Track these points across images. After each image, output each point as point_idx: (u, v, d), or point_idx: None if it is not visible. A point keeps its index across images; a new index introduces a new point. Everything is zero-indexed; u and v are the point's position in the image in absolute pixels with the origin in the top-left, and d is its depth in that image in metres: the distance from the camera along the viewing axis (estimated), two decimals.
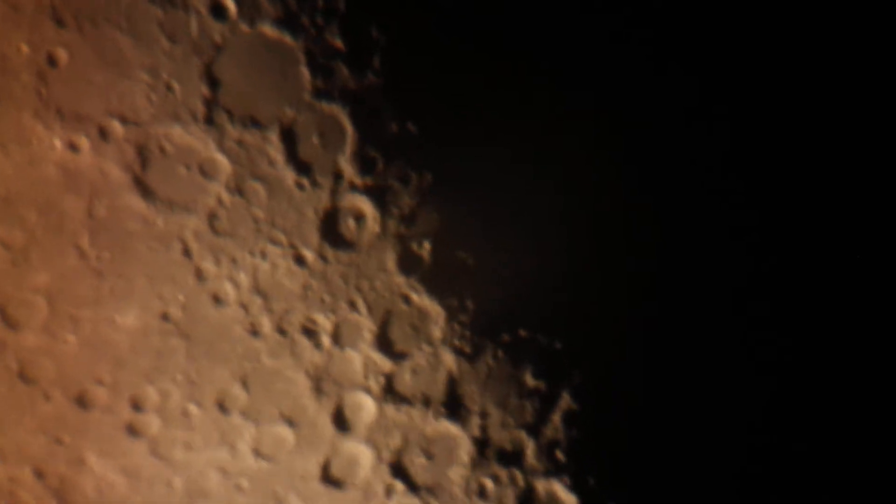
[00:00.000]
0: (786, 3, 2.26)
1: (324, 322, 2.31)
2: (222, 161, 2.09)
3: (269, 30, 1.98)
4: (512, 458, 2.45)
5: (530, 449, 2.45)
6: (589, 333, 2.37)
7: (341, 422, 2.38)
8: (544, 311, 2.37)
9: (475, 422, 2.39)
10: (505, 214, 2.33)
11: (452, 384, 2.38)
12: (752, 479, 2.47)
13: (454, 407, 2.38)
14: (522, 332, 2.36)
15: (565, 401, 2.39)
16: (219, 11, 1.92)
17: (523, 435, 2.44)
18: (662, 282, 2.37)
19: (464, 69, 2.16)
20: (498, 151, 2.27)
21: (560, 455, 2.45)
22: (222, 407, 2.31)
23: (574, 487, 2.44)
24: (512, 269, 2.36)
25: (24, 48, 1.85)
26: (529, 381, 2.38)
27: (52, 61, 1.87)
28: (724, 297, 2.40)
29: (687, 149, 2.31)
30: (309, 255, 2.24)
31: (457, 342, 2.36)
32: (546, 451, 2.45)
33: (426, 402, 2.38)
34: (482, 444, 2.44)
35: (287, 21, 1.98)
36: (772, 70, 2.29)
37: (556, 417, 2.39)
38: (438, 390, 2.38)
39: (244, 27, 1.94)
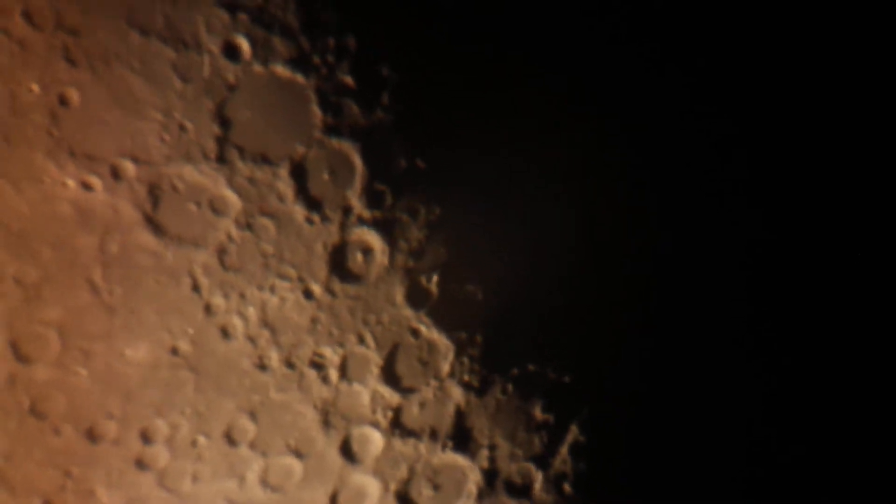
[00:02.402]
0: (786, 3, 2.28)
1: (331, 356, 2.33)
2: (232, 198, 2.12)
3: (281, 69, 2.02)
4: (520, 490, 2.46)
5: (538, 482, 2.46)
6: (598, 368, 2.39)
7: (349, 454, 2.40)
8: (553, 344, 2.39)
9: (483, 454, 2.41)
10: (513, 241, 2.36)
11: (460, 417, 2.40)
12: (754, 477, 2.48)
13: (462, 439, 2.41)
14: (531, 366, 2.38)
15: (573, 434, 2.40)
16: (232, 52, 1.96)
17: (532, 467, 2.46)
18: (667, 313, 2.39)
19: (470, 106, 2.20)
20: (505, 185, 2.30)
21: (568, 488, 2.47)
22: (230, 439, 2.34)
23: None
24: (521, 299, 2.38)
25: (36, 88, 1.89)
26: (538, 414, 2.40)
27: (63, 101, 1.91)
28: (724, 298, 2.42)
29: (686, 151, 2.33)
30: (317, 289, 2.27)
31: (465, 376, 2.38)
32: (554, 483, 2.46)
33: (434, 434, 2.40)
34: (490, 476, 2.46)
35: (299, 61, 2.01)
36: (771, 72, 2.31)
37: (565, 450, 2.41)
38: (446, 423, 2.40)
39: (257, 67, 1.97)
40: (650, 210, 2.34)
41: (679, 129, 2.31)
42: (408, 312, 2.33)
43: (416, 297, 2.33)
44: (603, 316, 2.40)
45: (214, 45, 1.94)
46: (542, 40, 2.17)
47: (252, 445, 2.35)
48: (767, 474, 2.47)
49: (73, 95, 1.89)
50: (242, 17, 1.94)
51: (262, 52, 1.98)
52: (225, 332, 2.24)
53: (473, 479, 2.46)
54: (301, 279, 2.25)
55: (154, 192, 2.03)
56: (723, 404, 2.45)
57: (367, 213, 2.23)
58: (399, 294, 2.32)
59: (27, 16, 1.87)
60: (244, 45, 1.97)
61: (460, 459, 2.46)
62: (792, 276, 2.40)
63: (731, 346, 2.42)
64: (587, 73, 2.24)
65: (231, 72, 1.97)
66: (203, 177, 2.06)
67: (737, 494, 2.47)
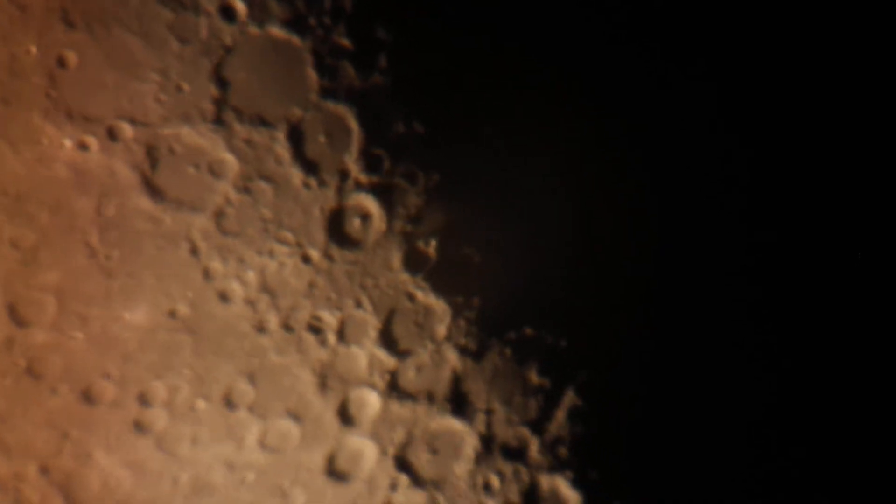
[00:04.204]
0: (786, 4, 2.29)
1: (329, 319, 2.36)
2: (230, 160, 2.14)
3: (277, 31, 2.03)
4: (516, 453, 2.51)
5: (534, 445, 2.51)
6: (593, 332, 2.43)
7: (346, 417, 2.44)
8: (548, 309, 2.43)
9: (480, 418, 2.46)
10: (509, 212, 2.38)
11: (457, 381, 2.44)
12: (754, 476, 2.53)
13: (459, 403, 2.45)
14: (528, 331, 2.42)
15: (569, 398, 2.45)
16: (228, 13, 1.97)
17: (527, 431, 2.51)
18: (664, 282, 2.42)
19: (469, 69, 2.21)
20: (503, 150, 2.32)
21: (564, 451, 2.51)
22: (229, 402, 2.37)
23: (577, 483, 2.51)
24: (516, 265, 2.41)
25: (34, 50, 1.90)
26: (534, 378, 2.44)
27: (61, 63, 1.92)
28: (723, 294, 2.45)
29: (688, 150, 2.35)
30: (315, 254, 2.30)
31: (461, 340, 2.42)
32: (550, 447, 2.51)
33: (430, 398, 2.44)
34: (487, 440, 2.50)
35: (295, 22, 2.02)
36: (773, 72, 2.33)
37: (561, 414, 2.45)
38: (443, 387, 2.44)
39: (253, 29, 1.99)
40: (649, 199, 2.36)
41: (680, 129, 2.32)
42: (405, 277, 2.36)
43: (414, 262, 2.36)
44: (601, 286, 2.43)
45: (211, 6, 1.95)
46: (543, 29, 2.18)
47: (250, 409, 2.39)
48: (767, 469, 2.51)
49: (71, 57, 1.90)
50: None
51: (259, 13, 1.99)
52: (223, 296, 2.27)
53: (470, 444, 2.51)
54: (299, 244, 2.28)
55: (152, 154, 2.05)
56: (723, 396, 2.49)
57: (364, 178, 2.25)
58: (396, 258, 2.35)
59: None
60: (240, 6, 1.98)
61: (457, 423, 2.50)
62: (793, 277, 2.43)
63: (732, 339, 2.45)
64: (589, 71, 2.25)
65: (228, 33, 1.99)
66: (201, 138, 2.08)
67: (737, 485, 2.52)
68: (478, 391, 2.45)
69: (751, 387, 2.50)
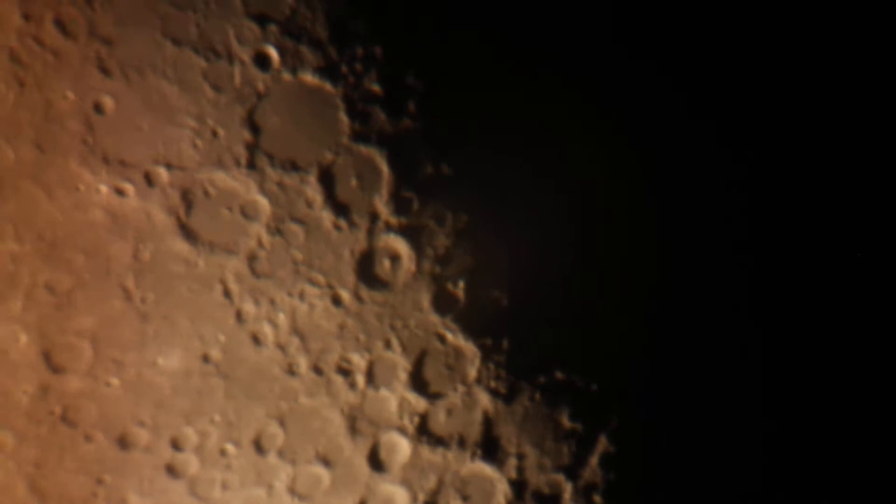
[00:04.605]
0: (788, 6, 2.31)
1: (359, 361, 2.37)
2: (263, 202, 2.18)
3: (309, 77, 2.08)
4: (549, 500, 2.48)
5: (567, 492, 2.47)
6: (626, 376, 2.41)
7: (376, 462, 2.43)
8: (580, 352, 2.41)
9: (512, 463, 2.43)
10: (538, 250, 2.39)
11: (488, 425, 2.42)
12: None
13: (490, 448, 2.43)
14: (559, 374, 2.41)
15: (602, 444, 2.42)
16: (262, 61, 2.02)
17: (561, 477, 2.47)
18: (686, 319, 2.41)
19: (495, 113, 2.25)
20: (531, 191, 2.34)
21: (597, 498, 2.47)
22: (259, 446, 2.37)
23: None
24: (545, 307, 2.41)
25: (71, 96, 1.96)
26: (566, 422, 2.42)
27: (98, 109, 1.98)
28: (751, 334, 2.43)
29: (691, 150, 2.35)
30: (345, 296, 2.32)
31: (492, 382, 2.41)
32: (583, 493, 2.47)
33: (461, 442, 2.42)
34: (519, 487, 2.47)
35: (327, 69, 2.07)
36: (774, 72, 2.34)
37: (594, 460, 2.42)
38: (474, 431, 2.42)
39: (286, 76, 2.04)
40: (663, 215, 2.37)
41: (687, 128, 2.34)
42: (434, 318, 2.37)
43: (443, 303, 2.37)
44: (643, 354, 2.42)
45: (245, 55, 2.01)
46: (565, 50, 2.22)
47: (280, 453, 2.39)
48: (779, 478, 2.47)
49: (108, 103, 1.95)
50: (272, 27, 2.01)
51: (292, 60, 2.04)
52: (256, 339, 2.29)
53: (502, 490, 2.48)
54: (330, 285, 2.30)
55: (186, 198, 2.09)
56: (752, 440, 2.46)
57: (394, 220, 2.27)
58: (426, 300, 2.36)
59: (60, 25, 1.94)
60: (274, 54, 2.04)
61: (488, 469, 2.47)
62: (795, 279, 2.41)
63: (740, 353, 2.43)
64: (605, 83, 2.28)
65: (261, 80, 2.04)
66: (234, 182, 2.12)
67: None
68: (509, 435, 2.42)
69: (786, 432, 2.46)
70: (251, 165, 2.11)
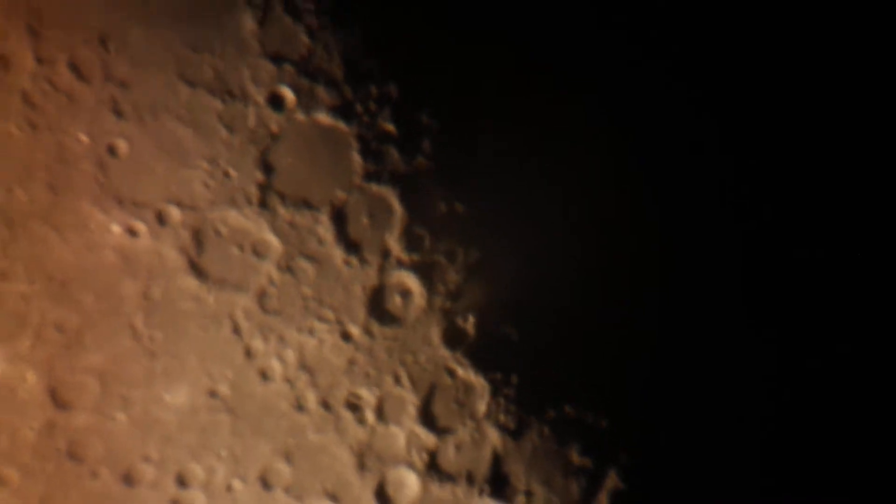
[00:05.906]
0: (790, 6, 2.33)
1: (368, 397, 2.38)
2: (274, 241, 2.18)
3: (323, 117, 2.09)
4: None
5: None
6: (636, 412, 2.43)
7: (384, 498, 2.44)
8: (589, 386, 2.43)
9: (520, 500, 2.44)
10: (547, 285, 2.40)
11: (497, 461, 2.43)
12: None
13: (499, 484, 2.44)
14: (568, 409, 2.42)
15: (612, 480, 2.44)
16: (276, 102, 2.03)
17: None
18: (696, 349, 2.42)
19: (507, 152, 2.26)
20: (545, 226, 2.35)
21: None
22: (266, 483, 2.38)
23: None
24: (554, 340, 2.42)
25: (84, 138, 1.95)
26: (575, 458, 2.44)
27: (112, 151, 1.97)
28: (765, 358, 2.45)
29: (695, 151, 2.37)
30: (355, 331, 2.32)
31: (501, 417, 2.42)
32: None
33: (470, 479, 2.44)
34: None
35: (342, 109, 2.08)
36: (774, 72, 2.36)
37: (603, 497, 2.44)
38: (483, 467, 2.44)
39: (300, 116, 2.04)
40: (670, 223, 2.38)
41: (691, 130, 2.35)
42: (444, 353, 2.38)
43: (453, 338, 2.38)
44: (653, 389, 2.44)
45: (260, 96, 2.01)
46: (585, 87, 2.23)
47: (287, 489, 2.39)
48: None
49: (122, 145, 1.95)
50: (288, 68, 2.01)
51: (306, 101, 2.04)
52: (264, 375, 2.29)
53: None
54: (339, 321, 2.30)
55: (198, 237, 2.09)
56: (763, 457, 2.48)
57: (405, 257, 2.28)
58: (436, 334, 2.37)
59: (74, 67, 1.94)
60: (288, 94, 2.04)
61: None
62: (797, 280, 2.43)
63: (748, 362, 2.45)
64: (611, 86, 2.29)
65: (275, 121, 2.04)
66: (246, 221, 2.12)
67: None
68: (518, 472, 2.44)
69: (795, 456, 2.48)
70: (263, 204, 2.12)
